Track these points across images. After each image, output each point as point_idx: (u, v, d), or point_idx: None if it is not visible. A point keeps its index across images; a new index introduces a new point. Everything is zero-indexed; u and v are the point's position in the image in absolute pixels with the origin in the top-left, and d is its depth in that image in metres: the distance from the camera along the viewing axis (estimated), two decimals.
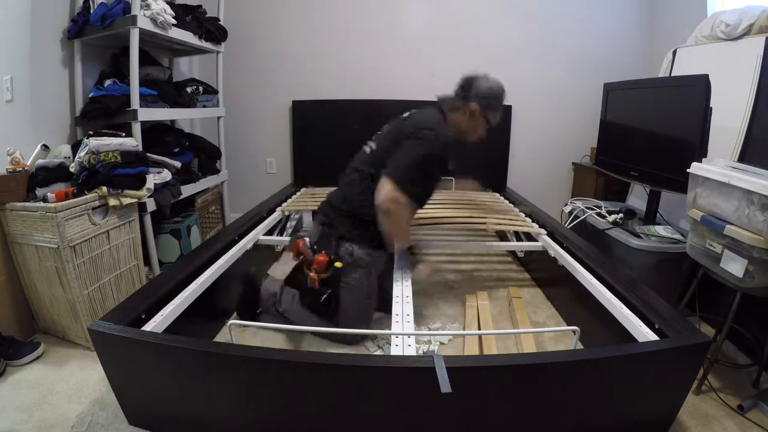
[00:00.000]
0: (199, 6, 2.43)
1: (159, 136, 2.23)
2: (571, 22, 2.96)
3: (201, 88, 2.44)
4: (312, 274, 1.50)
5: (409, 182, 1.46)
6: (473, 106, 1.58)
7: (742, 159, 1.69)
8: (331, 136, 2.90)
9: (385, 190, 1.45)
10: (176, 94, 2.28)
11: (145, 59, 2.14)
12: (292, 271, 1.70)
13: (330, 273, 1.52)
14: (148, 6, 1.91)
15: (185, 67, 2.91)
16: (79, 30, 1.89)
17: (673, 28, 2.61)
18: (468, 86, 1.59)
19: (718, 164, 1.39)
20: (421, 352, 1.19)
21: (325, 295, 1.52)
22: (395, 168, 1.48)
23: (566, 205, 2.46)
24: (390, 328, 1.33)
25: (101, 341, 1.14)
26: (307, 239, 1.59)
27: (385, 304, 1.63)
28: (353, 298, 1.59)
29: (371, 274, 1.63)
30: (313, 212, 1.80)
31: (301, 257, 1.58)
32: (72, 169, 1.65)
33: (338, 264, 1.52)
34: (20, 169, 1.54)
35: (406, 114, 1.70)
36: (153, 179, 1.96)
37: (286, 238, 2.17)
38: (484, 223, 2.13)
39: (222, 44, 2.58)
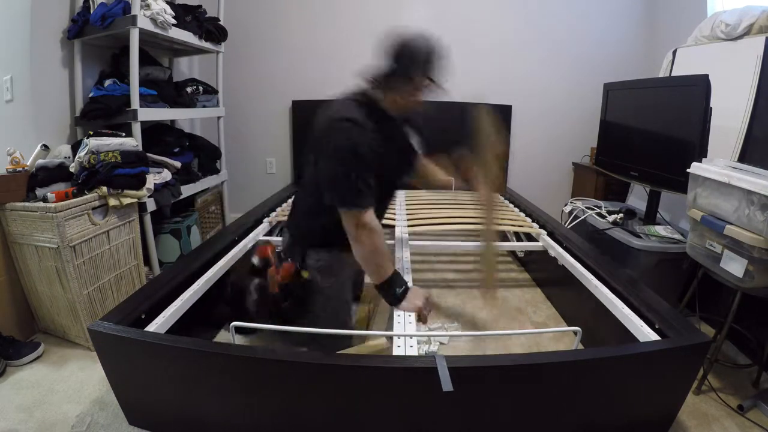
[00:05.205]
0: (199, 6, 2.43)
1: (159, 136, 2.23)
2: (570, 22, 2.96)
3: (201, 88, 2.44)
4: (276, 277, 1.46)
5: (354, 194, 1.13)
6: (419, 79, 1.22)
7: (742, 159, 1.69)
8: None
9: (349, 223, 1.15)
10: (176, 94, 2.28)
11: (145, 59, 2.14)
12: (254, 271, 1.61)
13: (293, 281, 1.48)
14: (148, 6, 1.91)
15: (185, 67, 2.91)
16: (79, 30, 1.89)
17: (673, 28, 2.62)
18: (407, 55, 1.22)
19: (718, 164, 1.39)
20: (422, 352, 1.19)
21: (287, 302, 1.49)
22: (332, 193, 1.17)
23: (566, 205, 2.46)
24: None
25: (101, 341, 1.14)
26: (278, 247, 1.54)
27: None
28: (329, 303, 1.52)
29: (342, 280, 1.50)
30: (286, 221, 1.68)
31: (267, 261, 1.54)
32: (72, 169, 1.65)
33: (305, 273, 1.47)
34: (20, 169, 1.54)
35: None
36: (153, 179, 1.96)
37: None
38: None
39: (222, 44, 2.58)
